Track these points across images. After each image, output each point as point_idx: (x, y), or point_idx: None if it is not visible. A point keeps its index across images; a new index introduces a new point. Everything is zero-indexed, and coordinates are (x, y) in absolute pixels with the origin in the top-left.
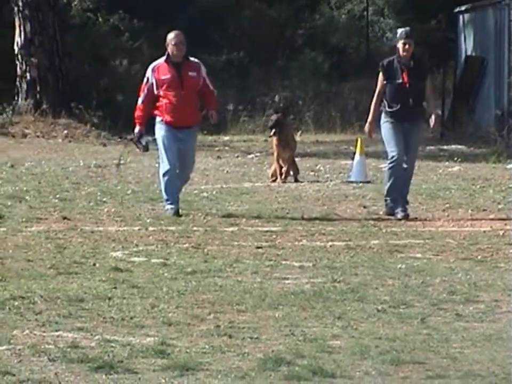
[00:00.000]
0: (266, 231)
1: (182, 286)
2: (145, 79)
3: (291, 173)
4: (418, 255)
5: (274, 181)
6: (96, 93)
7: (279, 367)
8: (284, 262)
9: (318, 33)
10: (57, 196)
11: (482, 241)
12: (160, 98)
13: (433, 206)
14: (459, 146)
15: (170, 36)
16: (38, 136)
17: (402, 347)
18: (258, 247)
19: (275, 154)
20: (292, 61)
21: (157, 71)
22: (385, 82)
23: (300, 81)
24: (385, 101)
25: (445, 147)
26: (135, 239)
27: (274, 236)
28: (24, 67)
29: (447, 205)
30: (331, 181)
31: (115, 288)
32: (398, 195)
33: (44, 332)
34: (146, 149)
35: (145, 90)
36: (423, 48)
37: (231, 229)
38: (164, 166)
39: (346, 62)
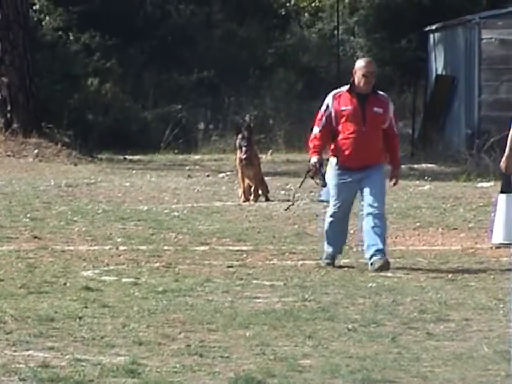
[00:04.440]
0: (237, 250)
1: (153, 305)
2: (323, 106)
3: (260, 192)
4: (389, 274)
5: (245, 201)
6: (67, 112)
7: None
8: (254, 281)
9: (288, 53)
10: (28, 215)
11: (452, 260)
12: (337, 134)
13: (404, 225)
14: (429, 165)
15: (360, 63)
16: (8, 156)
17: (373, 366)
18: (229, 266)
19: (239, 173)
20: (263, 80)
21: (337, 100)
22: None
23: (271, 101)
24: None
25: (415, 166)
26: (105, 258)
27: (245, 255)
28: None
29: (418, 224)
30: (302, 200)
31: (86, 307)
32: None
33: (15, 351)
34: (324, 183)
35: (323, 119)
36: (394, 67)
37: (201, 248)
38: (330, 213)
39: (318, 81)
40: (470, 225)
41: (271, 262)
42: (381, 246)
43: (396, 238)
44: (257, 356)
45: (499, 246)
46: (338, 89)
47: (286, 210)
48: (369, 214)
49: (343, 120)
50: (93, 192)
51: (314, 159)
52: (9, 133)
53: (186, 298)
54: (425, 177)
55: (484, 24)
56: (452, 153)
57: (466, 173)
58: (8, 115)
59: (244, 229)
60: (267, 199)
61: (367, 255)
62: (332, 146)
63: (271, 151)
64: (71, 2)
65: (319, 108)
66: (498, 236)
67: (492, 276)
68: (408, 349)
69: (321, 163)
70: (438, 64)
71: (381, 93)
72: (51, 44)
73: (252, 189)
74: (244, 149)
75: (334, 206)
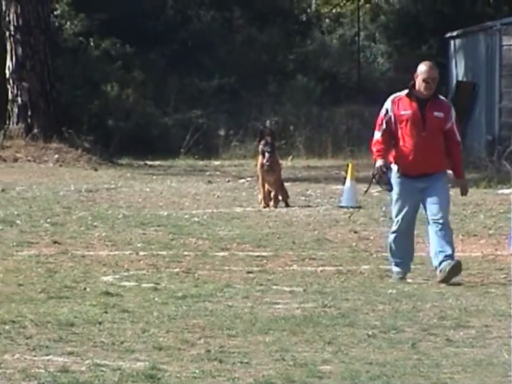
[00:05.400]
0: (257, 256)
1: (173, 311)
2: (383, 111)
3: (280, 197)
4: (409, 280)
5: (265, 206)
6: (87, 117)
7: None
8: (274, 287)
9: (309, 58)
10: (48, 220)
11: (473, 267)
12: (396, 141)
13: (424, 231)
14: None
15: (422, 68)
16: (29, 161)
17: (393, 372)
18: (249, 272)
19: (260, 178)
20: (283, 86)
21: (396, 104)
22: None
23: (292, 106)
24: None
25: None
26: (125, 263)
27: (265, 261)
28: (15, 91)
29: None
30: (322, 206)
31: (106, 312)
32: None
33: (35, 356)
34: (391, 187)
35: (384, 124)
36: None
37: (222, 253)
38: (394, 225)
39: (338, 87)
40: (490, 232)
41: (291, 268)
42: (449, 252)
43: (416, 244)
44: (277, 361)
45: None
46: (397, 93)
47: (349, 218)
48: (434, 222)
49: (402, 125)
50: (113, 197)
51: (379, 162)
52: (30, 138)
53: (206, 304)
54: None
55: (505, 30)
56: (473, 160)
57: (487, 179)
58: (29, 120)
59: (264, 234)
60: (287, 205)
61: (435, 262)
62: (393, 153)
63: (291, 156)
64: (92, 8)
65: (378, 112)
66: None
67: None
68: (428, 355)
69: (387, 167)
70: (458, 70)
71: (442, 97)
72: (72, 49)
73: (272, 195)
74: (266, 154)
75: (398, 217)
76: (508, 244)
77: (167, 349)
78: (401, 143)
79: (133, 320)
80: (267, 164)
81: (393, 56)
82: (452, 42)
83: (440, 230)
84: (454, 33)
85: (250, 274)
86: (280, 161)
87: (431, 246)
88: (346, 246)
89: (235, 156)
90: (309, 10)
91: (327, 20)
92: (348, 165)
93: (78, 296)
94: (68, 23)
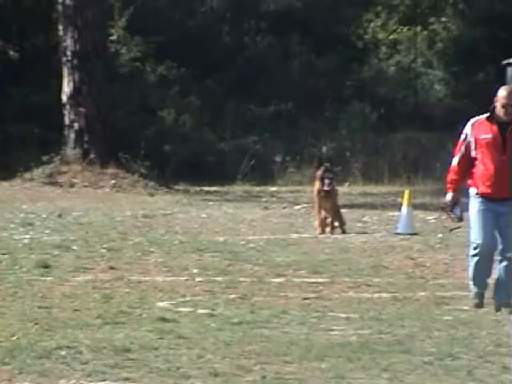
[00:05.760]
0: (313, 282)
1: (229, 337)
2: (462, 136)
3: (336, 224)
4: (465, 307)
5: (322, 233)
6: (143, 142)
7: None
8: (330, 313)
9: (366, 85)
10: (104, 245)
11: None
12: (476, 163)
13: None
14: None
15: (502, 93)
16: (85, 186)
17: None
18: (305, 298)
19: (316, 205)
20: (339, 112)
21: (477, 128)
22: None
23: (348, 132)
24: None
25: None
26: (181, 289)
27: (321, 287)
28: (72, 116)
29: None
30: (378, 232)
31: (161, 338)
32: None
33: (90, 381)
34: (460, 219)
35: (462, 149)
36: (471, 100)
37: (278, 279)
38: (474, 246)
39: (394, 113)
40: None
41: (347, 295)
42: (501, 294)
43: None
44: None
45: None
46: (477, 117)
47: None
48: (505, 259)
49: (482, 149)
50: (170, 223)
51: (449, 196)
52: (87, 163)
53: (262, 330)
54: None
55: None
56: None
57: None
58: (85, 145)
59: (320, 261)
60: (343, 231)
61: (495, 296)
62: (471, 177)
63: (347, 183)
64: (148, 32)
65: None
66: None
67: None
68: (484, 383)
69: (456, 201)
70: None
71: None
72: (128, 74)
73: (328, 221)
74: (327, 181)
75: (478, 240)
76: None
77: (223, 375)
78: (481, 167)
79: (188, 346)
80: (327, 190)
81: (450, 83)
82: (509, 69)
83: (506, 267)
84: (511, 60)
85: (306, 301)
86: (337, 187)
87: (496, 282)
88: (402, 272)
89: (291, 182)
90: (366, 36)
91: (383, 47)
92: (404, 192)
93: (133, 321)
94: (124, 47)
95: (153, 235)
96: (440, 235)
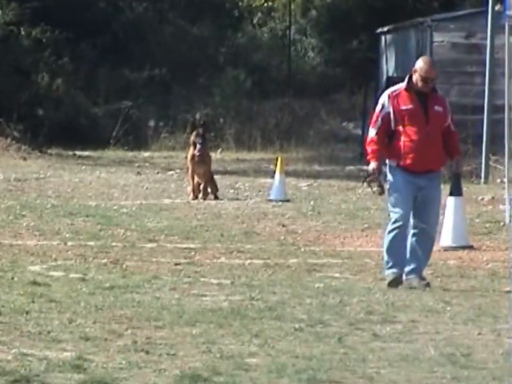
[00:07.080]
0: (185, 248)
1: (100, 301)
2: (378, 106)
3: (209, 190)
4: (337, 275)
5: (194, 198)
6: (17, 106)
7: (196, 383)
8: (202, 279)
9: (240, 52)
10: None
11: None
12: (397, 135)
13: (352, 225)
14: None
15: (422, 66)
16: None
17: (319, 366)
18: (176, 264)
19: (189, 170)
20: (214, 78)
21: (395, 99)
22: None
23: (222, 99)
24: None
25: (365, 167)
26: (53, 253)
27: (193, 253)
28: None
29: (366, 225)
30: (251, 199)
31: (33, 302)
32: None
33: None
34: (382, 190)
35: (379, 120)
36: (345, 68)
37: (150, 245)
38: (393, 220)
39: (268, 80)
40: None
41: (219, 261)
42: (416, 267)
43: (344, 239)
44: (204, 353)
45: (447, 249)
46: (394, 88)
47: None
48: (419, 230)
49: (404, 120)
50: (42, 187)
51: (372, 165)
52: None
53: (133, 295)
54: None
55: (436, 27)
56: None
57: None
58: None
59: (192, 226)
60: (216, 198)
61: (406, 269)
62: (391, 149)
63: (220, 149)
64: None
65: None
66: (446, 239)
67: (439, 279)
68: (354, 350)
69: (380, 170)
70: (389, 65)
71: (438, 91)
72: (2, 37)
73: (201, 187)
74: (198, 146)
75: (398, 215)
76: (436, 240)
77: (94, 339)
78: (403, 139)
79: (60, 310)
80: (198, 154)
81: (324, 51)
82: (383, 37)
83: (421, 241)
84: (385, 29)
85: (178, 266)
86: (210, 154)
87: (407, 252)
88: (274, 239)
89: (164, 148)
90: (240, 3)
91: (258, 14)
92: (277, 159)
93: (5, 285)
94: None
95: (25, 199)
96: (312, 202)
